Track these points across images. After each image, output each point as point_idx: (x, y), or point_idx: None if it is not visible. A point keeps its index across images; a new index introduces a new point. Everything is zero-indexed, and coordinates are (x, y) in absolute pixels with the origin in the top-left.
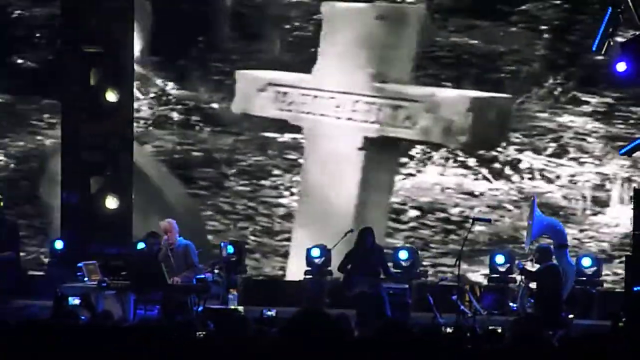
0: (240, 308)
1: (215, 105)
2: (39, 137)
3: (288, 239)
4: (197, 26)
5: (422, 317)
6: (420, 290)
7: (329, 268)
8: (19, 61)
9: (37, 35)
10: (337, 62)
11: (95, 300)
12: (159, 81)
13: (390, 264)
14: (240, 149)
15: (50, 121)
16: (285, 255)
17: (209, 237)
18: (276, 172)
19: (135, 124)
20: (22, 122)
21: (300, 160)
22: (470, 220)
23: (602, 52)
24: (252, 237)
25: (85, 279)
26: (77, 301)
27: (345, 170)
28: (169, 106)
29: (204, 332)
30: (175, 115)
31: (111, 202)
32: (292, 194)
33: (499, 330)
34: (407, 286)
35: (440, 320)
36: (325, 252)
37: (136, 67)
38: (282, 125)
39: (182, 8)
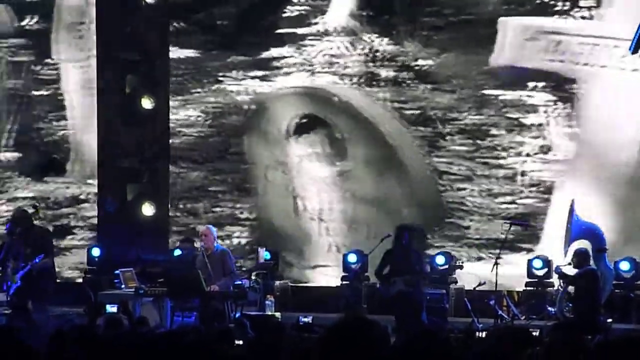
0: (278, 314)
1: (427, 62)
2: None
3: (511, 202)
4: None
5: (460, 322)
6: (458, 295)
7: (366, 274)
8: None
9: None
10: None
11: (133, 308)
12: (367, 37)
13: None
14: (455, 107)
15: None
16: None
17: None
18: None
19: (341, 82)
20: None
21: (524, 120)
22: (508, 224)
23: None
24: (470, 199)
25: (123, 286)
26: (114, 309)
27: (626, 129)
28: (378, 63)
29: (242, 340)
30: (384, 73)
31: (148, 209)
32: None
33: (536, 334)
34: (444, 291)
35: (477, 325)
36: (362, 257)
37: (348, 22)
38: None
39: None
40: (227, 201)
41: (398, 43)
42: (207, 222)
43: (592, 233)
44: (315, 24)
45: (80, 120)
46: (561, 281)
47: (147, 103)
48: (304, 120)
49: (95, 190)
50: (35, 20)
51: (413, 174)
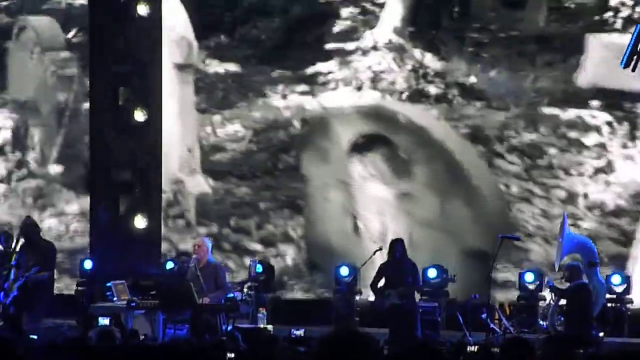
0: (270, 327)
1: (473, 79)
2: None
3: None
4: None
5: (453, 336)
6: (450, 309)
7: (358, 287)
8: None
9: None
10: None
11: (125, 320)
12: (416, 53)
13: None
14: (510, 125)
15: None
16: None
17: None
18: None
19: (390, 97)
20: None
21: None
22: (499, 239)
23: (631, 69)
24: (532, 222)
25: (115, 298)
26: (106, 321)
27: None
28: (426, 79)
29: (234, 352)
30: (432, 89)
31: (140, 222)
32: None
33: None
34: (436, 304)
35: (469, 338)
36: (354, 270)
37: (394, 38)
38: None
39: None
40: (278, 218)
41: (444, 59)
42: (258, 240)
43: (583, 247)
44: (362, 39)
45: None
46: (553, 295)
47: (139, 115)
48: (366, 139)
49: None
50: (80, 32)
51: (481, 196)
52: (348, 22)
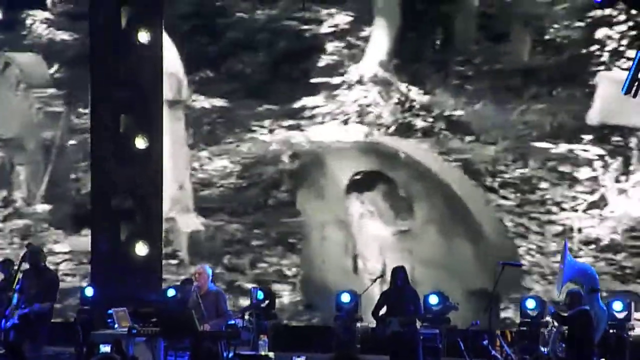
0: (271, 354)
1: (459, 112)
2: None
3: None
4: (436, 27)
5: None
6: (452, 335)
7: (359, 314)
8: None
9: None
10: None
11: (126, 347)
12: (401, 86)
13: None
14: (500, 160)
15: None
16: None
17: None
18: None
19: (377, 130)
20: None
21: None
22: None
23: (632, 95)
24: (528, 257)
25: (116, 325)
26: (107, 348)
27: None
28: (412, 112)
29: None
30: (418, 123)
31: (141, 249)
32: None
33: None
34: (437, 331)
35: None
36: (355, 297)
37: (379, 71)
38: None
39: (422, 9)
40: (271, 256)
41: (429, 92)
42: (253, 280)
43: (585, 273)
44: (348, 73)
45: None
46: (554, 321)
47: (140, 142)
48: (364, 175)
49: None
50: (62, 67)
51: (483, 231)
52: (334, 57)
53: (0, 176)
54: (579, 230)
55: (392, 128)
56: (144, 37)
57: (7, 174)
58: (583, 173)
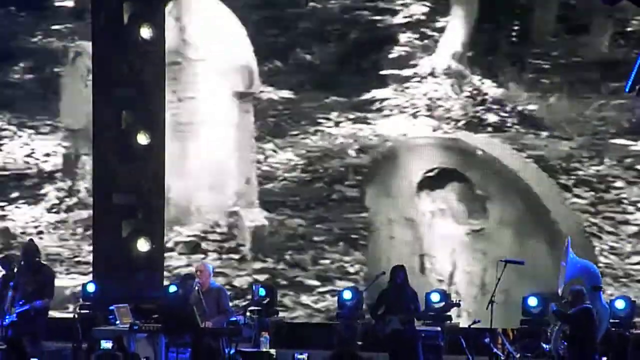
0: (273, 351)
1: (533, 106)
2: None
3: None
4: (514, 18)
5: None
6: (453, 333)
7: (361, 311)
8: None
9: None
10: None
11: (128, 344)
12: (474, 79)
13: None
14: (575, 156)
15: None
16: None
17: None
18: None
19: (446, 125)
20: None
21: None
22: (503, 263)
23: (636, 94)
24: (601, 258)
25: (117, 322)
26: (109, 344)
27: None
28: (484, 106)
29: None
30: (490, 117)
31: (143, 245)
32: None
33: None
34: (439, 329)
35: None
36: (357, 294)
37: (452, 64)
38: None
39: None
40: (333, 253)
41: (503, 85)
42: (314, 275)
43: (587, 271)
44: (420, 65)
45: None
46: (556, 319)
47: (142, 139)
48: (438, 173)
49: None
50: None
51: (563, 235)
52: (406, 48)
53: (66, 166)
54: None
55: (462, 122)
56: (146, 33)
57: (73, 164)
58: None
